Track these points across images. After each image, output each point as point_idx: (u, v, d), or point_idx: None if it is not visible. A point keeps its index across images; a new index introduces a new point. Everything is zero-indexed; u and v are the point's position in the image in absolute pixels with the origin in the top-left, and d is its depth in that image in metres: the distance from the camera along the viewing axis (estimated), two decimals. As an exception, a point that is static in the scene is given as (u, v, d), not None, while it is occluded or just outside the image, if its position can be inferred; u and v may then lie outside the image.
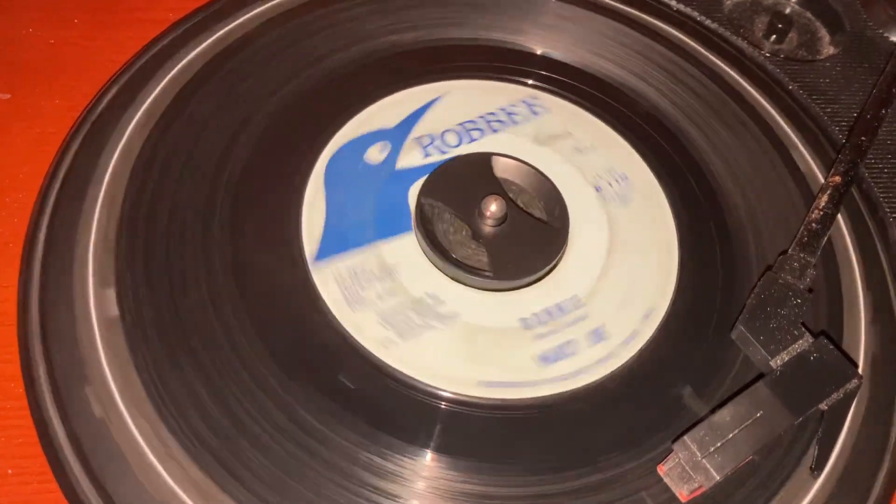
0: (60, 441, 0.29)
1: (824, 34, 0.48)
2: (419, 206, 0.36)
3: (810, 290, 0.35)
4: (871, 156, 0.42)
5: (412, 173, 0.38)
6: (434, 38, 0.43)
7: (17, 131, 0.38)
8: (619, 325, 0.35)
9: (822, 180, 0.40)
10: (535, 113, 0.41)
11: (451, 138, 0.39)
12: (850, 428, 0.33)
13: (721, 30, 0.46)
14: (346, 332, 0.33)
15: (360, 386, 0.32)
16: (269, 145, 0.37)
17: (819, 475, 0.32)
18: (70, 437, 0.29)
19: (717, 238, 0.38)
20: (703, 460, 0.29)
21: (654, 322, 0.35)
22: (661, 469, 0.30)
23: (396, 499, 0.30)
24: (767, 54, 0.46)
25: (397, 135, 0.39)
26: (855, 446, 0.33)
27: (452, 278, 0.35)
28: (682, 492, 0.30)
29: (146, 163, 0.36)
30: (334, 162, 0.37)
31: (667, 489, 0.30)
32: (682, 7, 0.47)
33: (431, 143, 0.39)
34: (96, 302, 0.32)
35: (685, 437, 0.30)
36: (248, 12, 0.42)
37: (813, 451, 0.32)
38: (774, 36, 0.47)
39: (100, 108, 0.37)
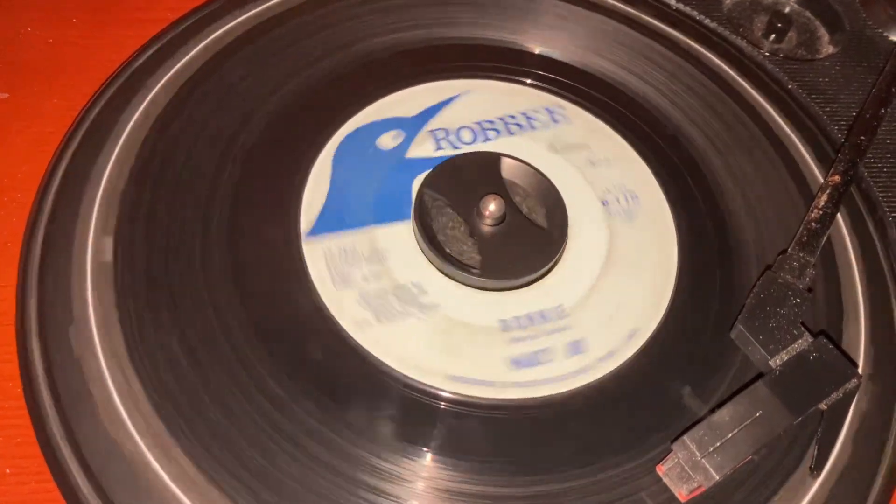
0: (58, 440, 0.29)
1: (824, 33, 0.48)
2: (420, 196, 0.36)
3: (810, 290, 0.35)
4: (871, 155, 0.42)
5: (421, 164, 0.38)
6: (465, 37, 0.43)
7: (16, 131, 0.38)
8: (601, 341, 0.34)
9: (822, 180, 0.40)
10: (555, 121, 0.40)
11: (466, 135, 0.39)
12: (849, 428, 0.33)
13: (720, 29, 0.46)
14: (325, 306, 0.33)
15: (328, 361, 0.32)
16: (283, 124, 0.38)
17: (819, 475, 0.32)
18: (69, 438, 0.29)
19: (716, 238, 0.38)
20: (703, 460, 0.29)
21: (637, 343, 0.34)
22: (661, 469, 0.30)
23: (344, 475, 0.29)
24: (767, 53, 0.46)
25: (413, 125, 0.39)
26: (855, 446, 0.33)
27: (440, 270, 0.35)
28: (681, 492, 0.30)
29: (145, 162, 0.36)
30: (346, 143, 0.38)
31: (666, 489, 0.30)
32: (681, 6, 0.47)
33: (445, 136, 0.39)
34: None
35: (684, 437, 0.30)
36: (247, 12, 0.42)
37: (812, 450, 0.32)
38: (774, 35, 0.47)
39: (98, 108, 0.37)
